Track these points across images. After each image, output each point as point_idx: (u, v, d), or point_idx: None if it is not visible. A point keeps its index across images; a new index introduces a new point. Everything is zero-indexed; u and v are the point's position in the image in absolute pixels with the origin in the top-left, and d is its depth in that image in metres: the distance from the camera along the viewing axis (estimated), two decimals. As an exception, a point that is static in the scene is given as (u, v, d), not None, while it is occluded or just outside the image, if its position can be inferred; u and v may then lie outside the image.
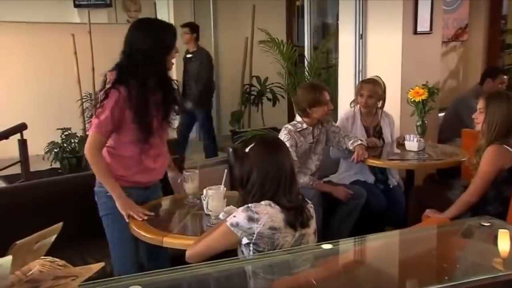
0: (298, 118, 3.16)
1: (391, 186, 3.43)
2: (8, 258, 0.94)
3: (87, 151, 2.15)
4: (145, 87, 2.11)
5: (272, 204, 1.72)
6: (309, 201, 1.87)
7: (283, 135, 3.06)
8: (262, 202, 1.72)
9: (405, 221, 3.12)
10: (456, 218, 2.52)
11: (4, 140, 3.82)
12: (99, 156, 2.16)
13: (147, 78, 2.12)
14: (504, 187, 2.53)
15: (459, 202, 2.57)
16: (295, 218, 1.73)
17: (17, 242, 0.98)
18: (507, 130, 2.52)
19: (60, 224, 1.09)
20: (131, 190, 2.22)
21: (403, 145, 3.36)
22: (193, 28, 5.23)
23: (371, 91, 3.35)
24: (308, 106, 3.06)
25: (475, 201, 2.53)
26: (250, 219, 1.69)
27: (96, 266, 1.07)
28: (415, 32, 3.71)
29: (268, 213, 1.70)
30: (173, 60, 2.20)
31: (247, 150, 1.81)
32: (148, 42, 2.11)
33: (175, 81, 2.37)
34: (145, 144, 2.16)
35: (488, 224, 1.46)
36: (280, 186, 1.74)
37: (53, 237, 1.06)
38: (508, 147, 2.51)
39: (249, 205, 1.72)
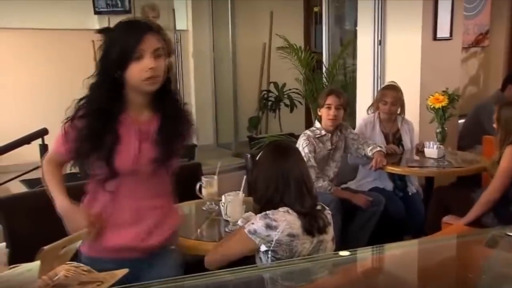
0: (317, 124, 3.16)
1: (410, 194, 3.39)
2: (37, 263, 0.96)
3: (43, 164, 1.70)
4: (100, 101, 1.52)
5: (290, 211, 1.72)
6: (326, 207, 1.86)
7: (301, 141, 3.06)
8: (280, 209, 1.73)
9: (424, 229, 3.09)
10: (478, 220, 2.51)
11: (26, 145, 3.88)
12: (50, 165, 1.67)
13: (103, 95, 1.52)
14: None
15: (480, 204, 2.59)
16: (311, 225, 1.73)
17: (45, 248, 0.99)
18: None
19: (85, 230, 1.10)
20: (107, 264, 1.38)
21: (423, 152, 3.33)
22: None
23: (395, 97, 3.34)
24: (318, 107, 3.13)
25: (496, 198, 2.54)
26: (268, 227, 1.69)
27: (121, 272, 1.08)
28: (435, 38, 3.68)
29: (287, 220, 1.69)
30: (146, 75, 1.47)
31: (258, 157, 1.85)
32: (101, 47, 1.57)
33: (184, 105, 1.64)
34: (107, 183, 1.54)
35: (513, 233, 1.44)
36: (289, 191, 1.75)
37: (79, 243, 1.08)
38: None
39: (267, 212, 1.72)
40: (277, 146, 1.97)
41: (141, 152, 1.53)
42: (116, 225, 1.56)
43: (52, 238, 1.17)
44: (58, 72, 5.68)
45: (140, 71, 1.47)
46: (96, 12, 6.32)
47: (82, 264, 1.11)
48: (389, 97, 3.34)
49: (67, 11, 6.20)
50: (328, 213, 1.84)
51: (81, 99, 1.57)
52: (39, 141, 3.84)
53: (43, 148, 3.81)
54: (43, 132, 3.81)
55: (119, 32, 1.52)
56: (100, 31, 1.61)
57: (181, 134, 1.59)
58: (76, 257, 1.14)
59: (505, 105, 2.70)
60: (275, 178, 1.76)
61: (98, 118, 1.50)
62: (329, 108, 3.05)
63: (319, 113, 3.13)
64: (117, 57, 1.47)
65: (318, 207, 1.82)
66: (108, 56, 1.50)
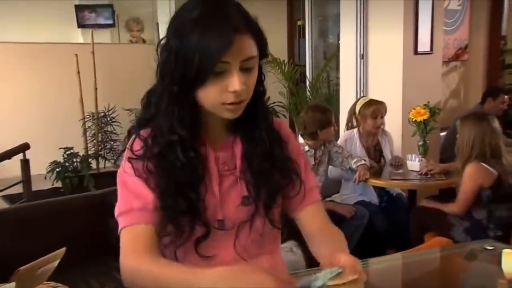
0: (300, 140, 3.16)
1: (394, 194, 3.43)
2: (12, 285, 0.94)
3: (121, 265, 0.98)
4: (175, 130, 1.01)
5: (294, 249, 1.65)
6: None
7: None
8: (284, 244, 1.65)
9: (409, 240, 3.11)
10: (451, 237, 2.57)
11: (7, 160, 3.84)
12: (145, 259, 0.96)
13: (174, 118, 1.01)
14: (493, 206, 2.57)
15: (446, 208, 2.75)
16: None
17: (20, 268, 0.98)
18: (481, 149, 2.57)
19: (64, 249, 1.09)
20: None
21: (400, 166, 3.37)
22: None
23: (386, 111, 3.38)
24: (320, 128, 3.07)
25: (463, 216, 2.65)
26: None
27: (99, 292, 1.07)
28: (416, 52, 3.74)
29: (289, 261, 1.65)
30: (228, 98, 0.97)
31: None
32: (168, 47, 0.98)
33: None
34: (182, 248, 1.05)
35: (492, 247, 1.46)
36: None
37: (56, 262, 1.06)
38: (487, 166, 2.55)
39: None
40: None
41: (224, 192, 1.06)
42: None
43: (33, 256, 1.15)
44: (40, 85, 5.65)
45: (220, 93, 0.97)
46: (79, 26, 6.31)
47: (60, 284, 1.09)
48: (383, 111, 3.36)
49: (51, 24, 6.19)
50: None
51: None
52: (20, 156, 3.80)
53: (25, 163, 3.77)
54: (24, 147, 3.77)
55: (193, 22, 0.93)
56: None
57: (277, 156, 1.09)
58: (53, 277, 1.12)
59: (465, 118, 2.72)
60: None
61: (178, 155, 1.01)
62: (334, 124, 3.10)
63: (319, 133, 3.07)
64: (187, 67, 0.94)
65: None
66: (174, 62, 0.96)
